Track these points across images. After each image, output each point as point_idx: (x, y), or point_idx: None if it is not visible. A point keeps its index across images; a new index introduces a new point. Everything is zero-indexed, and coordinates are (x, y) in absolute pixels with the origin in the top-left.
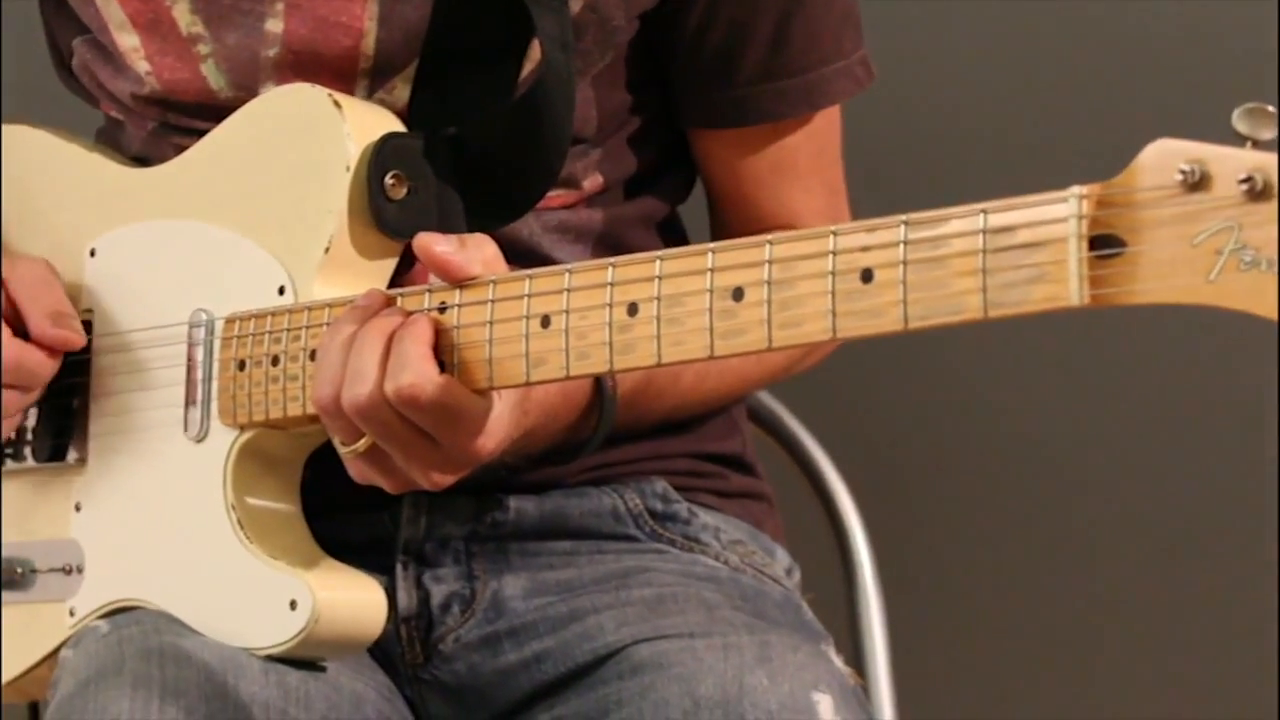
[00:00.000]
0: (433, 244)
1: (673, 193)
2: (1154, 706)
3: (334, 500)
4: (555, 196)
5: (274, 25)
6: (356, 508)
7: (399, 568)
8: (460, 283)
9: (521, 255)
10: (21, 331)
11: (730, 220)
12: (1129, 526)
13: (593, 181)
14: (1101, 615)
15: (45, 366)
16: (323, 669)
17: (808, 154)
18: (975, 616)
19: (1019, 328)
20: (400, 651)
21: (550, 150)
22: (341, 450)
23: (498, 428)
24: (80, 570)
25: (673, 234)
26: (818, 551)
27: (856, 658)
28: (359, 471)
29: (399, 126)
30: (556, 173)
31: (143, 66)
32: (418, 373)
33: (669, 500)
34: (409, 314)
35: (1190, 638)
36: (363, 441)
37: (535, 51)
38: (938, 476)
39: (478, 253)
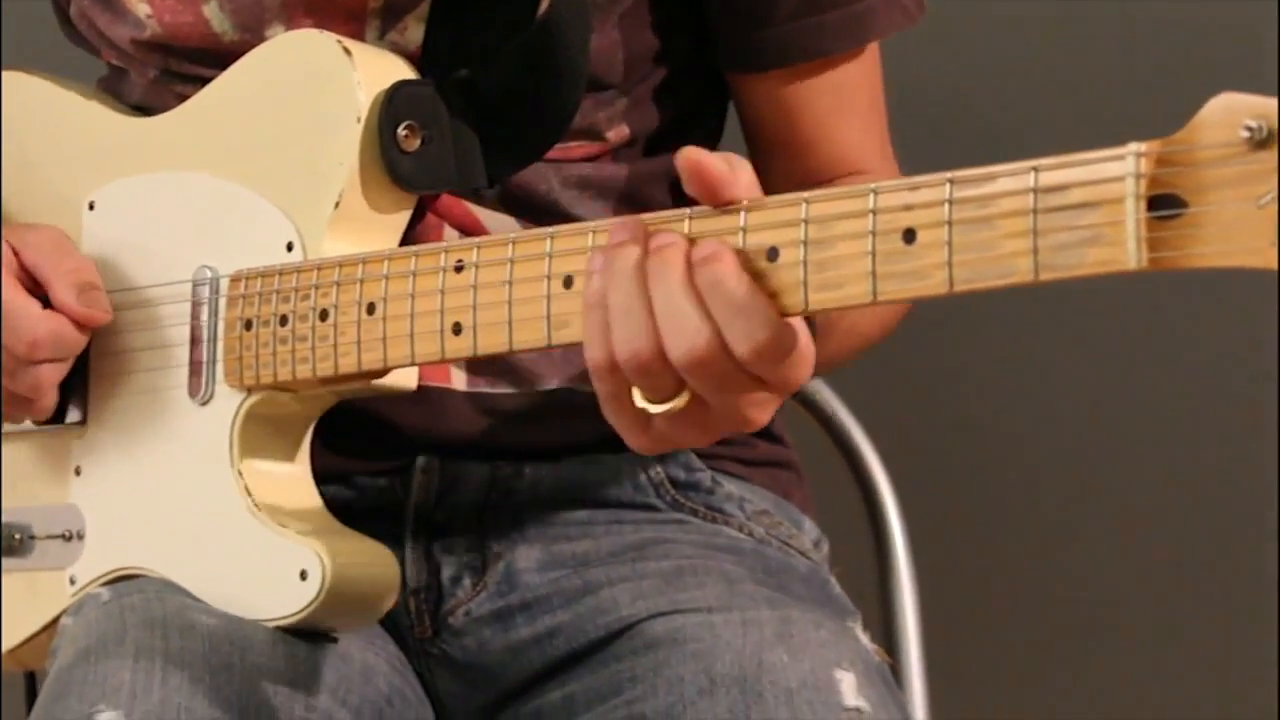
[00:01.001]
0: (703, 158)
1: (702, 145)
2: (1189, 690)
3: (341, 466)
4: (577, 147)
5: None
6: (365, 473)
7: (408, 537)
8: (721, 205)
9: (541, 211)
10: (42, 297)
11: (790, 170)
12: (1166, 506)
13: (618, 133)
14: (1139, 596)
15: (80, 338)
16: (333, 640)
17: (866, 91)
18: (1011, 594)
19: (1056, 294)
20: (409, 624)
21: (566, 85)
22: (651, 409)
23: (811, 351)
24: (81, 537)
25: None
26: (848, 524)
27: (886, 635)
28: (658, 434)
29: (411, 73)
30: (574, 109)
31: (143, 9)
32: (770, 324)
33: (692, 468)
34: (692, 240)
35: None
36: (682, 397)
37: None
38: (973, 447)
39: (744, 174)
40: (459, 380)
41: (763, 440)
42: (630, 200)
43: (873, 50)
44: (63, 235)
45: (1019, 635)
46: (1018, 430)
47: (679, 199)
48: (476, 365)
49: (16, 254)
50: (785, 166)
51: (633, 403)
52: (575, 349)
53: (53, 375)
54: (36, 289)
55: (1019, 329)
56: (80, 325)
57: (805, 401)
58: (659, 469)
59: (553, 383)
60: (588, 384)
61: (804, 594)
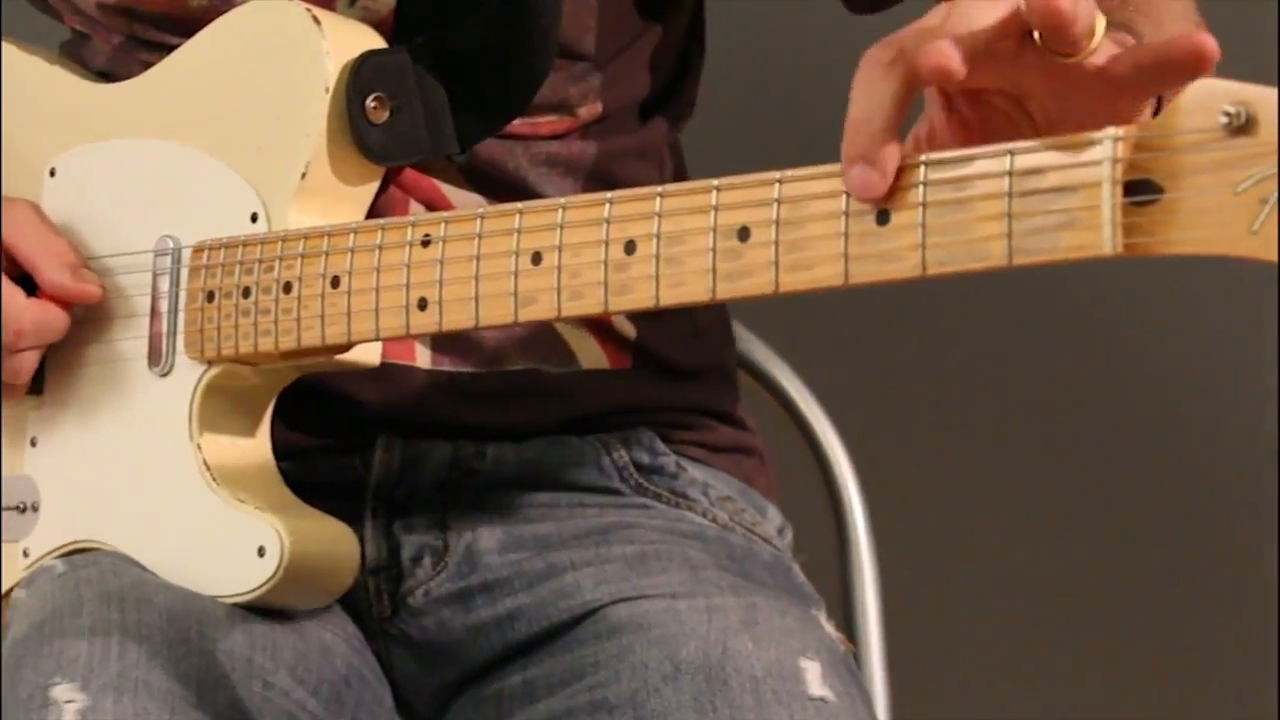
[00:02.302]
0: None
1: (673, 121)
2: (1150, 684)
3: (301, 442)
4: (546, 123)
5: None
6: (325, 450)
7: (368, 515)
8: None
9: (507, 188)
10: (19, 279)
11: None
12: (1133, 494)
13: (590, 110)
14: (1102, 581)
15: (65, 321)
16: (290, 617)
17: None
18: (973, 583)
19: (1024, 285)
20: (367, 604)
21: (539, 46)
22: None
23: None
24: (35, 509)
25: (672, 167)
26: (811, 511)
27: (848, 623)
28: None
29: (380, 43)
30: (546, 70)
31: None
32: None
33: (656, 452)
34: None
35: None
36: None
37: None
38: (938, 434)
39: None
40: (422, 358)
41: (726, 425)
42: (599, 177)
43: None
44: (39, 211)
45: (981, 624)
46: (982, 417)
47: (653, 174)
48: (440, 343)
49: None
50: None
51: None
52: (540, 328)
53: (32, 361)
54: (13, 268)
55: (987, 312)
56: (66, 306)
57: (769, 386)
58: (623, 452)
59: (517, 363)
60: (552, 365)
61: (768, 581)
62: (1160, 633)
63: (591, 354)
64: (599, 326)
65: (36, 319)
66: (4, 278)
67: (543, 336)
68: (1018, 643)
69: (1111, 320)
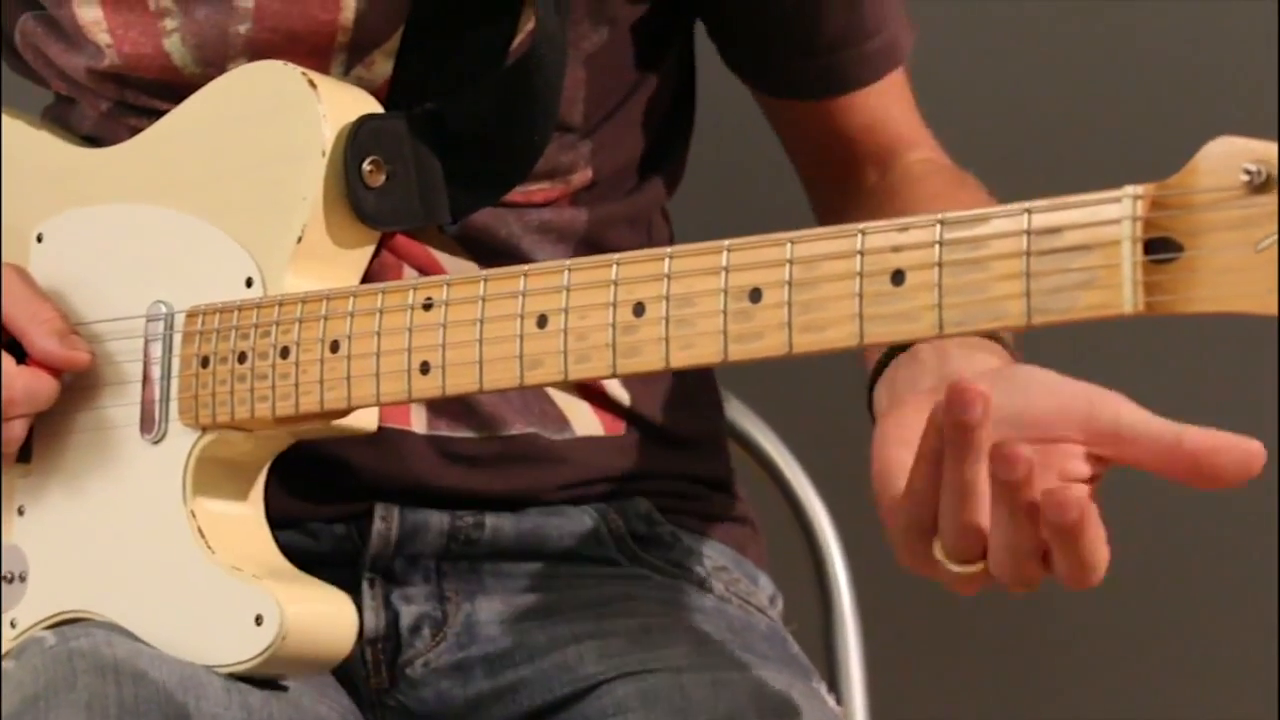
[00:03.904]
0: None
1: (662, 188)
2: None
3: (296, 508)
4: (539, 190)
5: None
6: (321, 518)
7: (365, 585)
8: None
9: (500, 254)
10: (7, 346)
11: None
12: (1122, 551)
13: (581, 176)
14: (1088, 644)
15: (55, 389)
16: (285, 689)
17: (901, 86)
18: (961, 649)
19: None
20: (364, 675)
21: (539, 123)
22: (950, 566)
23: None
24: (23, 579)
25: (662, 234)
26: (794, 576)
27: (833, 690)
28: (941, 572)
29: (376, 107)
30: (543, 146)
31: (103, 38)
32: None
33: (653, 522)
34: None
35: (1184, 659)
36: (980, 565)
37: (524, 19)
38: None
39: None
40: (419, 423)
41: (719, 494)
42: (592, 243)
43: None
44: (27, 276)
45: (969, 691)
46: None
47: (644, 241)
48: (437, 407)
49: None
50: (839, 171)
51: (930, 550)
52: (535, 392)
53: (22, 430)
54: (1, 334)
55: None
56: (55, 373)
57: (753, 453)
58: (620, 522)
59: (515, 428)
60: (550, 430)
61: (768, 653)
62: (1157, 693)
63: (585, 420)
64: (592, 392)
65: (27, 386)
66: None
67: (538, 401)
68: (1005, 709)
69: (1110, 340)
